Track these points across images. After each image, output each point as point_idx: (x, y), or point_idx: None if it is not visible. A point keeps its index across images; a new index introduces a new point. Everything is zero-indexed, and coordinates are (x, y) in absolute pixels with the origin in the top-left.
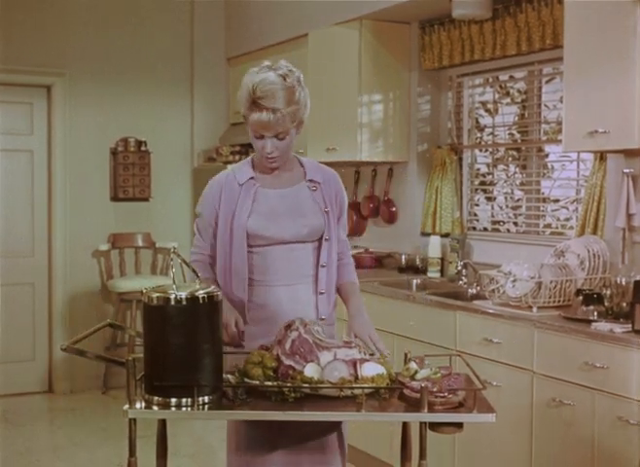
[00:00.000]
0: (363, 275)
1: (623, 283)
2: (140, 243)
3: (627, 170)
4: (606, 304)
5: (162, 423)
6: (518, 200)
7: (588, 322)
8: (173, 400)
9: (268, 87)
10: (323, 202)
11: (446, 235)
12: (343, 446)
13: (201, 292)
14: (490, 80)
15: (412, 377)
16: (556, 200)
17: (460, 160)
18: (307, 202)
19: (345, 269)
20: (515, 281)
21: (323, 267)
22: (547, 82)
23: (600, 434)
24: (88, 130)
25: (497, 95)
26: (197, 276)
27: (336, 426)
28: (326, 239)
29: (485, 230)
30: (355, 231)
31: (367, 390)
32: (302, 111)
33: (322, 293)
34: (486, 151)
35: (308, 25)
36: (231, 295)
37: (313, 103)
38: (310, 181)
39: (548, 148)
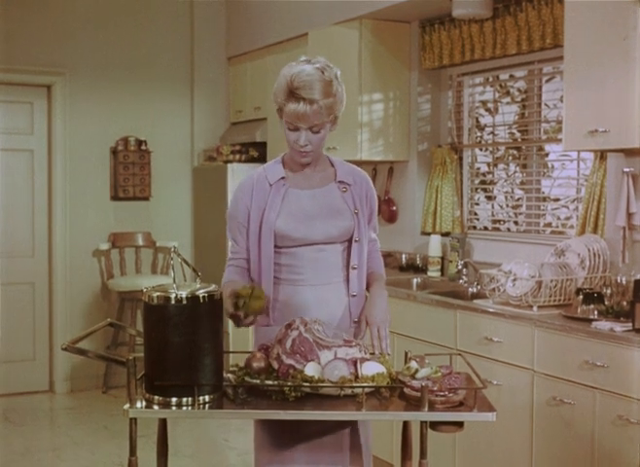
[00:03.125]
0: None
1: (624, 282)
2: (140, 242)
3: (627, 169)
4: (606, 302)
5: (163, 423)
6: (519, 199)
7: (589, 321)
8: (174, 399)
9: (306, 78)
10: (353, 204)
11: (447, 235)
12: (360, 444)
13: (202, 291)
14: (490, 79)
15: (413, 376)
16: (557, 199)
17: (460, 159)
18: (338, 203)
19: (374, 261)
20: (515, 280)
21: (354, 269)
22: (547, 81)
23: (600, 433)
24: (89, 130)
25: (497, 94)
26: (198, 275)
27: (349, 425)
28: (356, 241)
29: (486, 229)
30: None
31: (367, 389)
32: (339, 106)
33: (354, 295)
34: (486, 150)
35: (308, 25)
36: None
37: None
38: (340, 182)
39: (548, 147)
